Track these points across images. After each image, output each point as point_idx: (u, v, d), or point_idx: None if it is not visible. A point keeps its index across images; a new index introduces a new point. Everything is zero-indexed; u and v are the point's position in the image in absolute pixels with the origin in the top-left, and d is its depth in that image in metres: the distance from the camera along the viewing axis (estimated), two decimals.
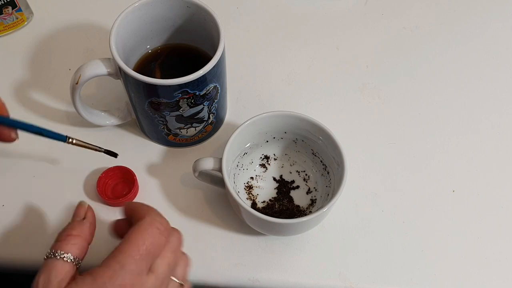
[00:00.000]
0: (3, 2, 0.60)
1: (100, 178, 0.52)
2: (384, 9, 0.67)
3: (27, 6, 0.63)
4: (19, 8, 0.62)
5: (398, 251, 0.51)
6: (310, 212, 0.52)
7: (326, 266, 0.50)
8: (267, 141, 0.54)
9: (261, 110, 0.51)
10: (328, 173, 0.52)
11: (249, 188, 0.53)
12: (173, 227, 0.41)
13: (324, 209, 0.45)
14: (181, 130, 0.52)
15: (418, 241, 0.52)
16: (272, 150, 0.55)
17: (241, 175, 0.53)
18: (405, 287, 0.50)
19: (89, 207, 0.43)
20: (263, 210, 0.52)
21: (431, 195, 0.54)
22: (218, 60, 0.47)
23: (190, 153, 0.55)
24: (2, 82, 0.59)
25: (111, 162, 0.51)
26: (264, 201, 0.53)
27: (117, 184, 0.53)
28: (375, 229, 0.52)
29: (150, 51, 0.55)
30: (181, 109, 0.48)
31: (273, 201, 0.53)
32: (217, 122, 0.56)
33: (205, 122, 0.53)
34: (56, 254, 0.38)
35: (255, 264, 0.50)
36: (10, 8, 0.61)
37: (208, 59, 0.47)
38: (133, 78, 0.46)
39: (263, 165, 0.54)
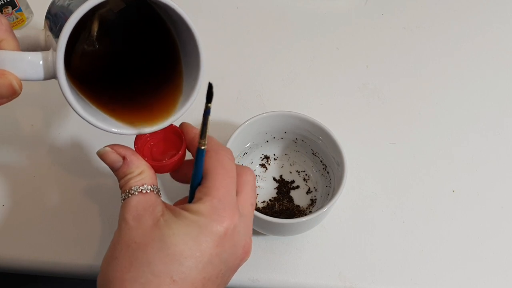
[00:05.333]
0: (3, 2, 0.60)
1: (139, 137, 0.40)
2: (384, 9, 0.67)
3: (27, 6, 0.63)
4: (19, 8, 0.62)
5: (398, 251, 0.51)
6: (310, 212, 0.52)
7: (326, 266, 0.50)
8: (267, 141, 0.54)
9: (261, 110, 0.51)
10: (328, 173, 0.52)
11: None
12: (246, 167, 0.40)
13: (324, 209, 0.45)
14: None
15: (418, 241, 0.52)
16: (272, 150, 0.55)
17: None
18: (405, 287, 0.50)
19: (114, 147, 0.38)
20: (263, 210, 0.52)
21: (431, 195, 0.54)
22: None
23: None
24: None
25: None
26: (264, 201, 0.53)
27: (156, 145, 0.42)
28: (375, 229, 0.52)
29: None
30: None
31: (273, 201, 0.53)
32: None
33: None
34: (132, 191, 0.35)
35: (255, 264, 0.50)
36: (10, 8, 0.61)
37: (163, 27, 0.39)
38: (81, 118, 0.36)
39: (263, 165, 0.54)
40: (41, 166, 0.54)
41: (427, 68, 0.63)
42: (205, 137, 0.36)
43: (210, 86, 0.36)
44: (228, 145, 0.47)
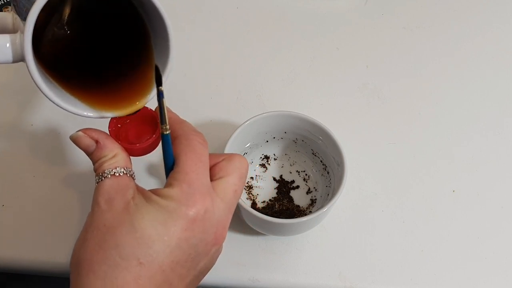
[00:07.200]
0: (3, 2, 0.60)
1: (113, 120, 0.40)
2: (384, 9, 0.67)
3: None
4: None
5: (398, 251, 0.51)
6: (310, 212, 0.52)
7: (326, 266, 0.50)
8: (267, 141, 0.54)
9: (261, 110, 0.51)
10: (328, 173, 0.52)
11: (249, 188, 0.53)
12: (239, 154, 0.40)
13: (324, 209, 0.45)
14: None
15: (418, 241, 0.52)
16: (272, 150, 0.55)
17: None
18: (405, 287, 0.50)
19: (86, 131, 0.38)
20: (263, 210, 0.52)
21: (431, 195, 0.54)
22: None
23: None
24: (2, 80, 0.59)
25: None
26: (264, 201, 0.53)
27: (131, 128, 0.42)
28: (375, 229, 0.52)
29: None
30: None
31: (273, 201, 0.53)
32: None
33: None
34: (105, 175, 0.36)
35: (255, 264, 0.50)
36: (10, 8, 0.61)
37: (136, 22, 0.39)
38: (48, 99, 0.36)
39: (263, 165, 0.54)
40: (41, 166, 0.54)
41: (427, 68, 0.63)
42: (165, 121, 0.36)
43: (157, 69, 0.36)
44: (228, 145, 0.47)
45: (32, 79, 0.35)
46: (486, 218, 0.53)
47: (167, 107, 0.38)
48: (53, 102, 0.36)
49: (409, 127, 0.59)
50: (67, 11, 0.41)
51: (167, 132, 0.36)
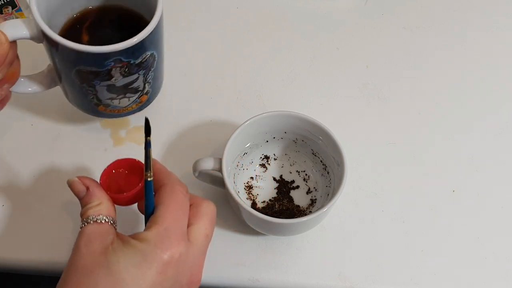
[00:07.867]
0: (3, 2, 0.60)
1: (105, 171, 0.43)
2: (384, 9, 0.67)
3: (27, 6, 0.63)
4: (19, 8, 0.62)
5: (398, 251, 0.51)
6: (310, 212, 0.52)
7: (326, 266, 0.50)
8: (267, 141, 0.54)
9: (261, 110, 0.51)
10: (328, 173, 0.52)
11: (249, 188, 0.53)
12: (206, 199, 0.42)
13: (324, 209, 0.45)
14: (113, 101, 0.48)
15: (418, 241, 0.52)
16: (272, 150, 0.55)
17: (241, 175, 0.53)
18: (405, 287, 0.50)
19: (81, 178, 0.41)
20: (263, 210, 0.52)
21: (431, 195, 0.54)
22: (156, 26, 0.43)
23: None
24: None
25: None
26: (264, 201, 0.53)
27: (122, 178, 0.44)
28: (375, 229, 0.52)
29: (78, 14, 0.49)
30: (113, 78, 0.44)
31: (273, 201, 0.53)
32: (153, 92, 0.51)
33: (140, 92, 0.48)
34: (88, 220, 0.38)
35: (255, 264, 0.50)
36: (10, 8, 0.61)
37: (145, 23, 0.43)
38: (57, 43, 0.41)
39: (263, 165, 0.54)
40: (41, 166, 0.54)
41: (427, 68, 0.63)
42: (149, 169, 0.39)
43: (146, 121, 0.40)
44: (228, 145, 0.48)
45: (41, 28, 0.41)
46: (486, 218, 0.53)
47: (154, 159, 0.41)
48: (55, 39, 0.41)
49: (409, 127, 0.59)
50: (85, 38, 0.48)
51: (150, 179, 0.39)
